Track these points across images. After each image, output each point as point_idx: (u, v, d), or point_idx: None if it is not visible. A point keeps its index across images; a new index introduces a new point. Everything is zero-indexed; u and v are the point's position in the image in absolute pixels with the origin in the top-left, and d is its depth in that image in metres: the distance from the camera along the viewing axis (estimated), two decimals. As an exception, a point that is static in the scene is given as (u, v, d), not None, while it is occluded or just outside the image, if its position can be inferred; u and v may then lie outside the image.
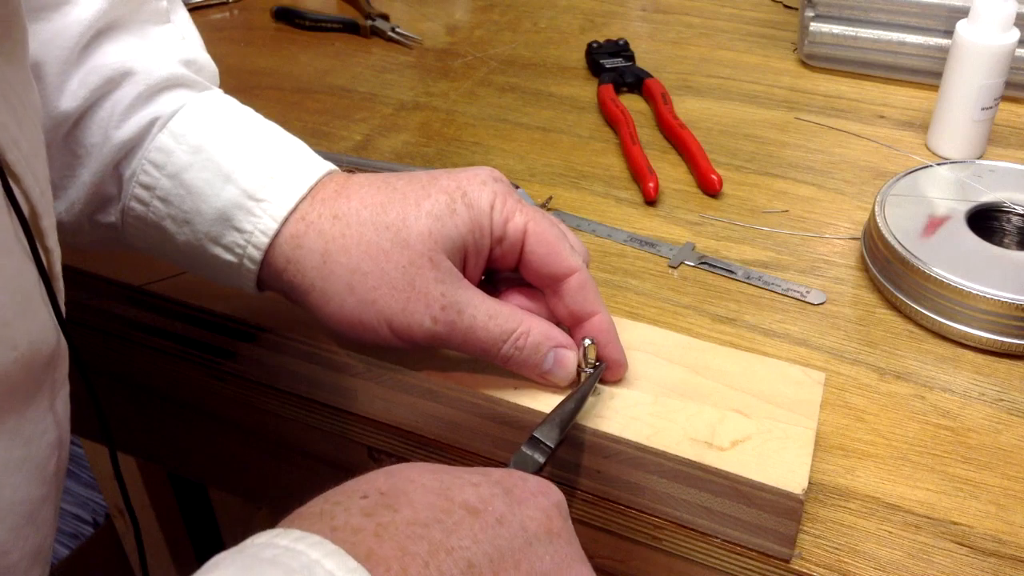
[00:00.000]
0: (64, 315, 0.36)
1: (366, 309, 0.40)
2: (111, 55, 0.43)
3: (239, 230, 0.42)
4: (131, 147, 0.43)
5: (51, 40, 0.41)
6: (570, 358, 0.41)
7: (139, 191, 0.43)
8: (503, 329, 0.40)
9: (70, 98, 0.42)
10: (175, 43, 0.47)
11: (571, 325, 0.43)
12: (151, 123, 0.43)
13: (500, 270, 0.44)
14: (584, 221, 0.62)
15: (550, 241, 0.41)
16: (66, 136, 0.43)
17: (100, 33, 0.43)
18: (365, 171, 0.64)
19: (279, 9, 0.96)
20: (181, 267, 0.46)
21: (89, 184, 0.43)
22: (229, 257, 0.42)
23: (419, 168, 0.58)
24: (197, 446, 0.59)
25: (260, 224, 0.41)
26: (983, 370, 0.50)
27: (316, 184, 0.42)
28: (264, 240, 0.41)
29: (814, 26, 0.80)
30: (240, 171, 0.42)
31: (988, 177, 0.60)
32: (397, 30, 0.91)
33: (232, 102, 0.46)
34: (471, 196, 0.40)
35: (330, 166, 0.44)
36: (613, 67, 0.81)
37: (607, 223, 0.62)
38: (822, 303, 0.55)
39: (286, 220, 0.41)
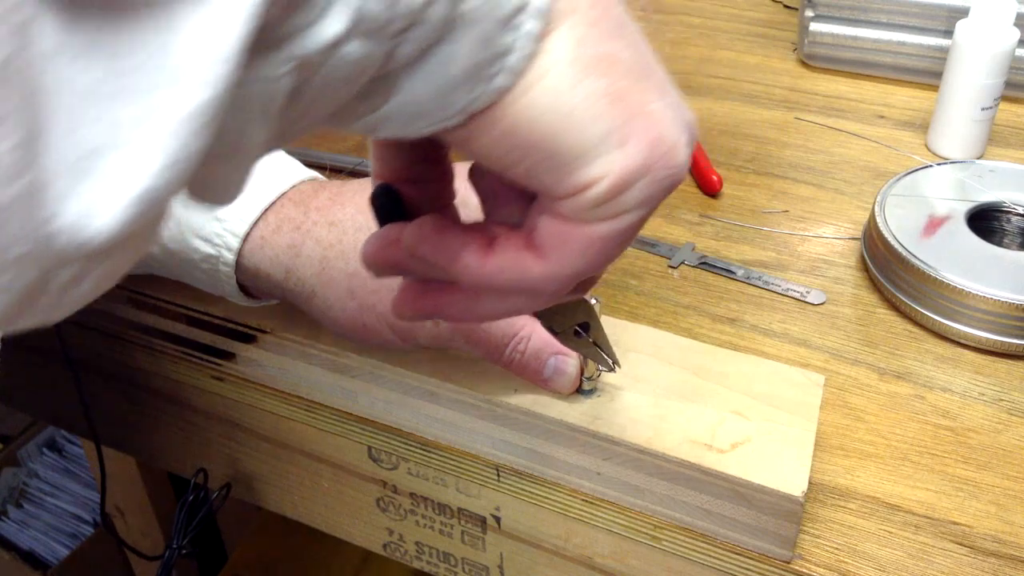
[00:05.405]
0: None
1: (367, 313, 0.40)
2: None
3: (217, 219, 0.42)
4: None
5: None
6: (571, 364, 0.41)
7: None
8: (504, 332, 0.40)
9: None
10: None
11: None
12: None
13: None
14: (584, 221, 0.62)
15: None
16: None
17: None
18: (365, 172, 0.64)
19: (279, 9, 0.96)
20: (169, 274, 0.46)
21: None
22: (208, 249, 0.42)
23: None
24: (196, 447, 0.58)
25: (229, 225, 0.41)
26: (983, 370, 0.50)
27: (294, 191, 0.42)
28: (241, 229, 0.41)
29: (814, 26, 0.80)
30: None
31: (988, 177, 0.60)
32: (397, 30, 0.91)
33: None
34: (462, 193, 0.40)
35: (311, 173, 0.44)
36: (613, 67, 0.81)
37: (607, 223, 0.62)
38: (822, 303, 0.55)
39: (256, 224, 0.41)
